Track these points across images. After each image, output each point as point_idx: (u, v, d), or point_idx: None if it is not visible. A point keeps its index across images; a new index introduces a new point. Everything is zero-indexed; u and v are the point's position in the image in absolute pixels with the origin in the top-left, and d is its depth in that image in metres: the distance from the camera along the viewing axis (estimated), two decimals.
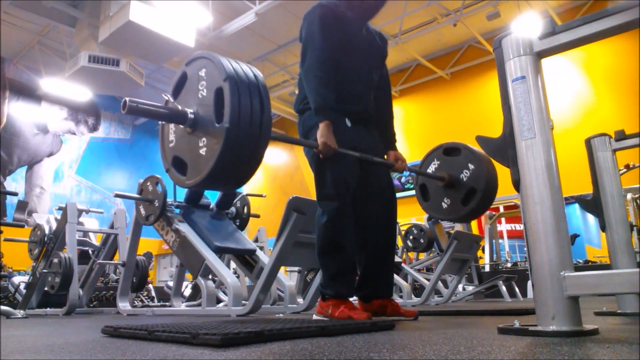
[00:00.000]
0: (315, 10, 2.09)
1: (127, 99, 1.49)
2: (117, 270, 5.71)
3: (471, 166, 2.42)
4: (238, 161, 1.50)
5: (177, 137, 1.68)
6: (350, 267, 2.04)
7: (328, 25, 2.05)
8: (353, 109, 2.13)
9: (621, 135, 1.98)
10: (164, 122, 1.73)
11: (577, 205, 9.87)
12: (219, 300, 4.68)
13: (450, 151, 2.55)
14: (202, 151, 1.53)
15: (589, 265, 7.36)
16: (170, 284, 5.10)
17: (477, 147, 2.42)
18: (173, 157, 1.70)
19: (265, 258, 3.49)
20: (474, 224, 6.39)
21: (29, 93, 10.32)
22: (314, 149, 1.95)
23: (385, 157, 2.26)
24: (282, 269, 4.00)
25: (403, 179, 9.94)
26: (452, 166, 2.50)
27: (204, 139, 1.53)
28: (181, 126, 1.62)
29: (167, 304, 5.66)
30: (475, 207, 2.42)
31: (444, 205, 2.51)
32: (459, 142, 2.56)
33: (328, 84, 1.99)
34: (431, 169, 2.58)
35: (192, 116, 1.57)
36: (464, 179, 2.44)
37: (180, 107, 1.62)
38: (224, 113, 1.45)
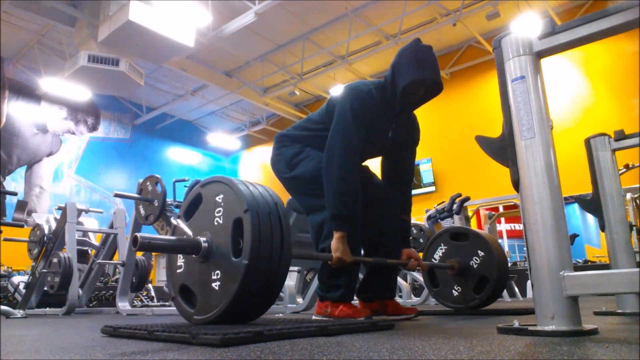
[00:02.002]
0: (349, 98, 1.97)
1: (139, 235, 1.33)
2: (117, 270, 5.71)
3: (481, 253, 2.39)
4: (254, 299, 1.41)
5: (187, 264, 1.56)
6: (355, 276, 2.04)
7: (358, 118, 1.94)
8: None
9: (621, 135, 1.98)
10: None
11: (576, 205, 9.88)
12: None
13: (457, 236, 2.52)
14: (215, 285, 1.42)
15: (588, 265, 7.37)
16: None
17: (483, 233, 2.44)
18: (181, 285, 1.57)
19: None
20: (473, 223, 6.40)
21: (29, 93, 10.31)
22: (328, 261, 1.85)
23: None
24: None
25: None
26: (460, 252, 2.47)
27: (218, 272, 1.42)
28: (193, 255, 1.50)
29: (167, 303, 5.66)
30: (487, 297, 2.39)
31: (455, 293, 2.49)
32: (465, 227, 2.55)
33: (350, 190, 1.90)
34: (438, 253, 2.55)
35: (205, 245, 1.46)
36: (474, 266, 2.41)
37: (192, 236, 1.50)
38: (243, 247, 1.35)
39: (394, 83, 1.97)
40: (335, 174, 1.88)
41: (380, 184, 2.21)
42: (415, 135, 2.24)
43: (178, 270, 1.59)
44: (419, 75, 1.90)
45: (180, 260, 1.59)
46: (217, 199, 1.50)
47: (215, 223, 1.47)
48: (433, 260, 2.56)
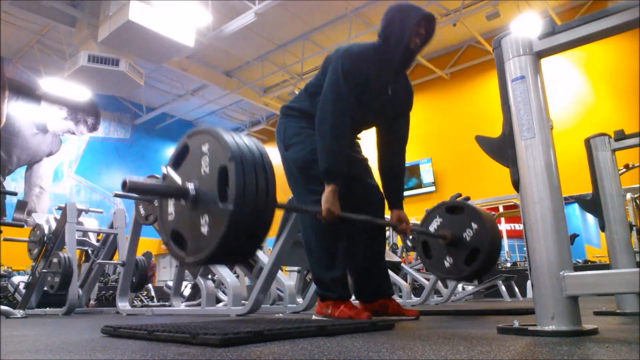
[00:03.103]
0: (340, 59, 1.99)
1: (127, 179, 1.39)
2: (117, 269, 5.71)
3: (474, 225, 2.39)
4: (241, 242, 1.46)
5: (177, 211, 1.61)
6: (344, 267, 2.04)
7: (349, 78, 1.96)
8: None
9: (621, 135, 1.99)
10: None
11: (576, 205, 9.88)
12: (218, 300, 4.68)
13: (452, 209, 2.52)
14: (204, 229, 1.47)
15: (588, 265, 7.37)
16: (170, 283, 5.09)
17: (479, 208, 2.45)
18: (172, 231, 1.63)
19: (264, 258, 3.49)
20: None
21: (29, 93, 10.31)
22: (317, 215, 1.87)
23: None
24: (282, 268, 4.00)
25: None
26: (454, 224, 2.47)
27: (206, 216, 1.48)
28: (182, 201, 1.56)
29: (167, 303, 5.66)
30: (478, 268, 2.38)
31: (447, 264, 2.48)
32: (461, 200, 2.53)
33: (342, 148, 1.93)
34: (433, 226, 2.54)
35: (193, 192, 1.51)
36: (467, 239, 2.41)
37: (180, 182, 1.55)
38: (229, 193, 1.40)
39: (389, 40, 2.00)
40: (328, 132, 1.92)
41: (375, 185, 2.23)
42: (410, 97, 2.26)
43: (169, 218, 1.65)
44: (414, 16, 1.95)
45: (171, 207, 1.65)
46: (203, 148, 1.55)
47: (202, 172, 1.52)
48: None
